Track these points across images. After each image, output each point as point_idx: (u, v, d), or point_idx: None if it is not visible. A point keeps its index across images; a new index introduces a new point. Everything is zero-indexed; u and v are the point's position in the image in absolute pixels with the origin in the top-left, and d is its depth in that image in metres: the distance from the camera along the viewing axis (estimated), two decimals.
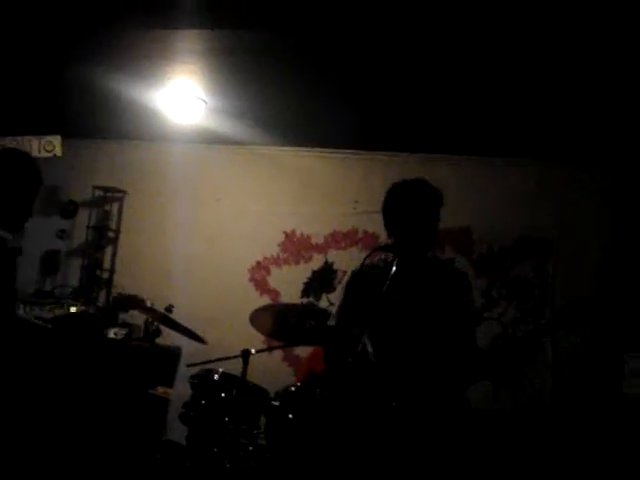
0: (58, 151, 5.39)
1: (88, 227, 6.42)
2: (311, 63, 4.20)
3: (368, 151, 5.78)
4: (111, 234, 6.45)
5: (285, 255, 5.95)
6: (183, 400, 4.03)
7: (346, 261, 5.63)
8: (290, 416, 3.67)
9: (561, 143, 5.00)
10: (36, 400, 3.74)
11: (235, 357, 3.97)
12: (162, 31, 3.94)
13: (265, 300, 5.76)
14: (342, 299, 3.01)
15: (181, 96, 4.99)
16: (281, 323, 4.22)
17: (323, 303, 5.70)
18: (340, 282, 5.48)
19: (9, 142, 5.14)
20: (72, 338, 4.49)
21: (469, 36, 3.61)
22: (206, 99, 5.02)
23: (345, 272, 3.20)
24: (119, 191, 6.38)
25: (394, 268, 2.66)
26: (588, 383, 4.93)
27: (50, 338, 3.07)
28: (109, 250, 6.43)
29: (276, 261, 5.96)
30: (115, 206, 6.46)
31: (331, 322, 3.02)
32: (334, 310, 3.05)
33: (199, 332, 4.44)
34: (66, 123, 5.61)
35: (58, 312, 4.91)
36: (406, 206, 2.88)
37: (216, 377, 3.96)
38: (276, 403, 3.76)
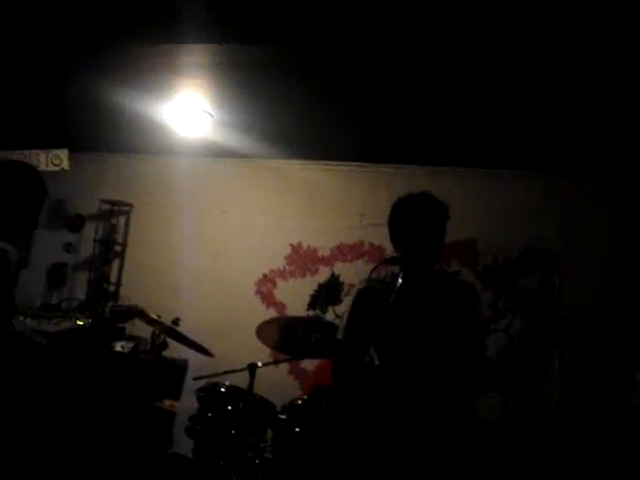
0: (65, 165, 5.43)
1: (95, 240, 6.44)
2: (318, 77, 4.20)
3: (374, 164, 5.78)
4: (118, 247, 6.48)
5: (291, 268, 5.95)
6: (190, 413, 4.03)
7: (352, 274, 5.58)
8: (297, 429, 3.67)
9: (567, 155, 4.99)
10: (34, 416, 3.72)
11: (242, 370, 3.95)
12: (169, 45, 3.94)
13: (271, 313, 5.76)
14: (349, 313, 3.02)
15: (188, 109, 5.00)
16: (287, 336, 4.22)
17: (329, 316, 5.68)
18: (347, 294, 5.50)
19: (17, 156, 5.16)
20: (73, 352, 4.49)
21: (475, 49, 3.62)
22: (213, 112, 5.02)
23: (351, 285, 3.21)
24: (125, 204, 6.41)
25: (400, 280, 2.67)
26: (595, 395, 4.90)
27: (46, 354, 3.06)
28: (116, 263, 6.45)
29: (282, 274, 5.95)
30: (122, 219, 6.49)
31: (339, 336, 3.02)
32: (341, 324, 3.06)
33: (206, 345, 4.43)
34: (72, 136, 5.64)
35: (65, 325, 4.90)
36: (412, 220, 2.88)
37: (223, 390, 3.96)
38: (283, 416, 3.76)
